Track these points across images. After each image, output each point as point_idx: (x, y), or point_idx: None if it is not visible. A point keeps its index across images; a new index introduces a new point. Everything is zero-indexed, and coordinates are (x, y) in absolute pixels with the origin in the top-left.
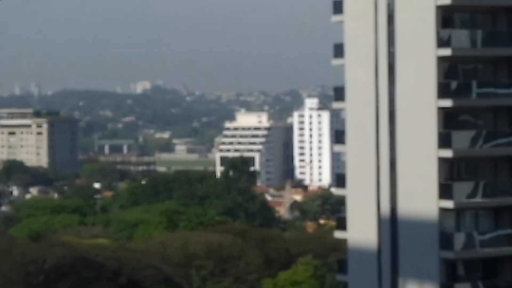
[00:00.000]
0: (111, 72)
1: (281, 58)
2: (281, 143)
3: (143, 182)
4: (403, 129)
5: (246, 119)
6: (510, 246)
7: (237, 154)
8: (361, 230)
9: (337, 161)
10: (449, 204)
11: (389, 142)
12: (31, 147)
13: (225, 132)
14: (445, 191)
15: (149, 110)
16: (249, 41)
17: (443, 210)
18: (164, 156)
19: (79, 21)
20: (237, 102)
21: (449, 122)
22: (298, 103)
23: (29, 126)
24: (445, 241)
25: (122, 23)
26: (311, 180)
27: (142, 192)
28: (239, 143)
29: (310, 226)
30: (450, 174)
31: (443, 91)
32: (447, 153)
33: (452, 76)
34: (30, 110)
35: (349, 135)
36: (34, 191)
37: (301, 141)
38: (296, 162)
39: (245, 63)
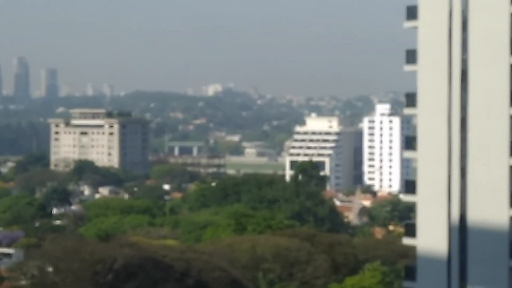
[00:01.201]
0: (183, 75)
1: (353, 63)
2: (351, 148)
3: (213, 184)
4: (475, 136)
5: (316, 124)
6: None
7: (306, 158)
8: (430, 237)
9: (406, 167)
10: None
11: (460, 149)
12: (103, 147)
13: (295, 136)
14: None
15: (220, 113)
16: (321, 46)
17: None
18: (234, 159)
19: (152, 25)
20: (308, 107)
21: None
22: (369, 109)
23: (101, 126)
24: None
25: (195, 27)
26: (380, 186)
27: (211, 194)
28: (309, 147)
29: (378, 232)
30: None
31: None
32: None
33: None
34: (102, 111)
35: (420, 142)
36: (104, 191)
37: (371, 147)
38: (366, 168)
39: (317, 68)
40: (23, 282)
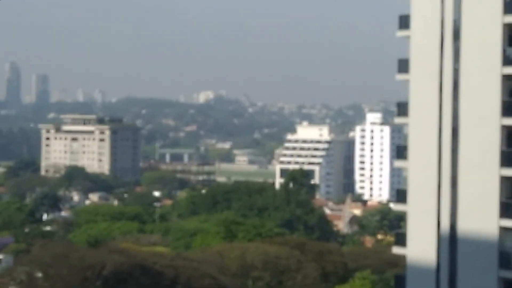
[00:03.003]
0: (175, 82)
1: (345, 72)
2: (342, 157)
3: (203, 191)
4: (466, 146)
5: (307, 132)
6: None
7: (297, 167)
8: (420, 247)
9: (397, 176)
10: (509, 223)
11: (451, 159)
12: (93, 153)
13: (286, 144)
14: (506, 210)
15: (211, 120)
16: (313, 55)
17: (503, 229)
18: (224, 166)
19: (144, 31)
20: (299, 115)
21: None
22: (360, 117)
23: (91, 132)
24: (505, 261)
25: (187, 35)
26: (370, 195)
27: (201, 201)
28: (300, 155)
29: (368, 240)
30: None
31: (507, 110)
32: (510, 172)
33: None
34: (93, 117)
35: (411, 151)
36: (94, 197)
37: (362, 156)
38: (356, 177)
39: (309, 76)
40: None
